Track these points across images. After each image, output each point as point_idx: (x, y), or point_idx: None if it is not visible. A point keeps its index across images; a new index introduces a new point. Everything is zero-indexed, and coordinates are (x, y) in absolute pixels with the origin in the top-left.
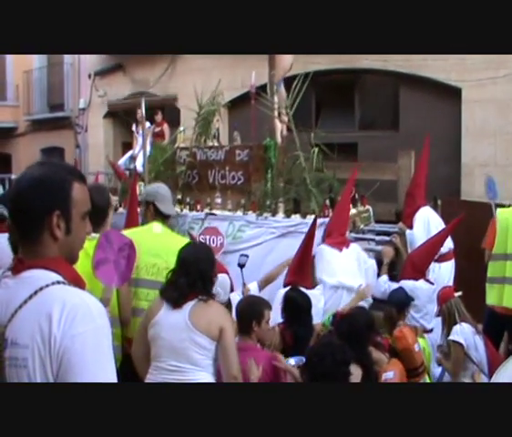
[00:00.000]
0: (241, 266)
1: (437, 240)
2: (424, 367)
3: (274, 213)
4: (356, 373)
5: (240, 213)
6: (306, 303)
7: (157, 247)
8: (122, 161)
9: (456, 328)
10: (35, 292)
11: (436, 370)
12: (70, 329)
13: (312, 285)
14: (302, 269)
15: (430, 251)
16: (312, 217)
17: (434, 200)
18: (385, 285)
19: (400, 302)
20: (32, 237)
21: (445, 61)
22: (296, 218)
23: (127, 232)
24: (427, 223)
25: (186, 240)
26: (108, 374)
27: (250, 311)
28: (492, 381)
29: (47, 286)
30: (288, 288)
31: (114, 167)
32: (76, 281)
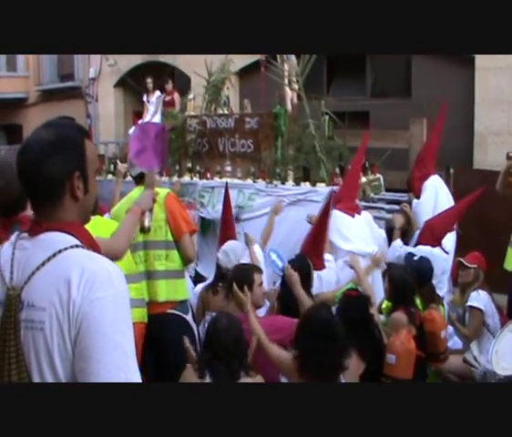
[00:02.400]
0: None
1: (457, 211)
2: (447, 353)
3: (284, 181)
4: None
5: (249, 181)
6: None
7: (122, 208)
8: (133, 130)
9: (474, 294)
10: (54, 255)
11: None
12: (89, 294)
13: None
14: (316, 248)
15: (449, 221)
16: (322, 185)
17: (446, 169)
18: (400, 249)
19: (426, 276)
20: (52, 200)
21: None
22: (306, 185)
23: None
24: (435, 194)
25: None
26: (127, 340)
27: (241, 278)
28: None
29: (66, 249)
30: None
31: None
32: (93, 246)
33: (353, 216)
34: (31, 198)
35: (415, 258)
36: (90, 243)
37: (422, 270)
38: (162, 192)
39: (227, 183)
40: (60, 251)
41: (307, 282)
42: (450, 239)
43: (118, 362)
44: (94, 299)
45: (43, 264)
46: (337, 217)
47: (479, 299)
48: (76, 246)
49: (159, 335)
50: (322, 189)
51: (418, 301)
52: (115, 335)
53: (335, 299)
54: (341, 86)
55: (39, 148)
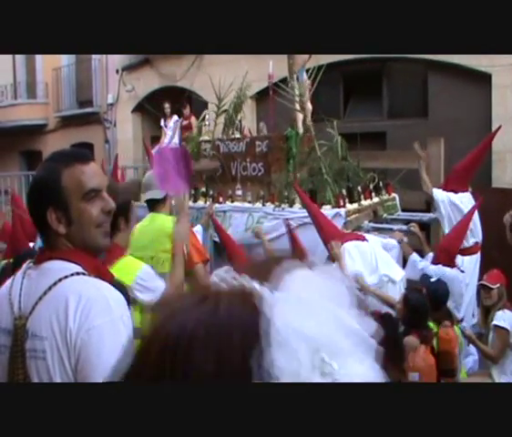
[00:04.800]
0: None
1: (462, 226)
2: (457, 370)
3: (291, 204)
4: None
5: (259, 204)
6: None
7: (142, 239)
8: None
9: (500, 313)
10: (55, 283)
11: (467, 361)
12: (86, 322)
13: None
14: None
15: (457, 237)
16: (328, 207)
17: None
18: (421, 264)
19: (442, 299)
20: (45, 233)
21: None
22: None
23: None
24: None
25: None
26: None
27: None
28: None
29: (66, 277)
30: None
31: (149, 155)
32: (99, 272)
33: (364, 239)
34: (37, 227)
35: (432, 279)
36: (95, 270)
37: (438, 293)
38: (171, 222)
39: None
40: (60, 279)
41: None
42: (472, 263)
43: None
44: (91, 327)
45: (45, 293)
46: (351, 250)
47: (505, 318)
48: (77, 273)
49: None
50: (327, 212)
51: (431, 324)
52: (113, 362)
53: None
54: (357, 107)
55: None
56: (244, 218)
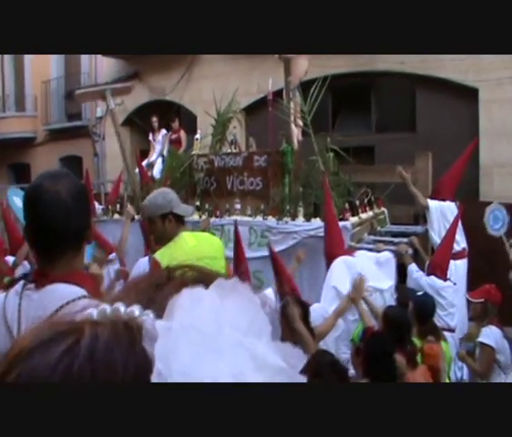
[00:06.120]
0: None
1: (450, 237)
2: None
3: (294, 217)
4: None
5: (259, 218)
6: None
7: (204, 258)
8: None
9: (486, 330)
10: (61, 307)
11: (457, 374)
12: None
13: None
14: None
15: (447, 249)
16: None
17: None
18: (417, 273)
19: (428, 312)
20: (73, 251)
21: (462, 61)
22: (316, 221)
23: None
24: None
25: (215, 238)
26: None
27: None
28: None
29: (73, 301)
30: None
31: (140, 167)
32: (97, 294)
33: (353, 256)
34: (43, 249)
35: (419, 293)
36: (94, 291)
37: (425, 306)
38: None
39: (236, 222)
40: (68, 303)
41: (307, 317)
42: (462, 268)
43: None
44: None
45: (50, 318)
46: (343, 264)
47: (490, 335)
48: (84, 297)
49: None
50: None
51: (416, 340)
52: None
53: (354, 337)
54: (346, 121)
55: (64, 204)
56: (246, 232)
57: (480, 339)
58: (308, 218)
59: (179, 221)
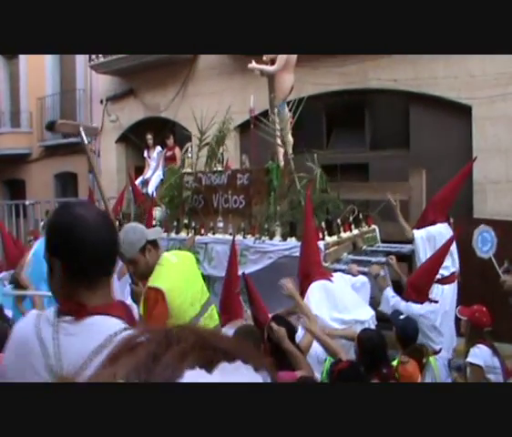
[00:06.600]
0: None
1: (436, 260)
2: None
3: (271, 236)
4: None
5: (240, 237)
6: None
7: (189, 273)
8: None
9: (474, 350)
10: (106, 341)
11: None
12: None
13: None
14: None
15: (430, 272)
16: None
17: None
18: (393, 299)
19: (410, 336)
20: (105, 278)
21: (455, 79)
22: (292, 241)
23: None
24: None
25: (188, 252)
26: None
27: None
28: None
29: (116, 334)
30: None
31: (133, 186)
32: (132, 322)
33: (331, 280)
34: (88, 277)
35: (401, 317)
36: (130, 321)
37: (406, 331)
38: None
39: (234, 239)
40: (111, 336)
41: (293, 335)
42: (450, 292)
43: None
44: None
45: (97, 352)
46: (320, 289)
47: (479, 354)
48: (125, 329)
49: None
50: None
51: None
52: None
53: (323, 378)
54: (340, 138)
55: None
56: (226, 250)
57: (469, 359)
58: (285, 237)
59: (156, 246)
